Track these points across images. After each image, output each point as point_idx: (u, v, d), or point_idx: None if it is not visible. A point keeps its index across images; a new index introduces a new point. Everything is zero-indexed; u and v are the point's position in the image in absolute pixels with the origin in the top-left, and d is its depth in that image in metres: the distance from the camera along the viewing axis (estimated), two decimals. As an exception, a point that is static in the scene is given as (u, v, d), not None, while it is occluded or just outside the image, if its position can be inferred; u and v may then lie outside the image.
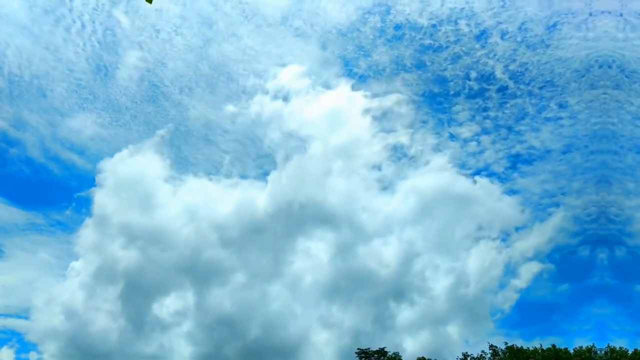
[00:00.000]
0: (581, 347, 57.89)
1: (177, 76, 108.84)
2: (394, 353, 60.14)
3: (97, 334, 79.66)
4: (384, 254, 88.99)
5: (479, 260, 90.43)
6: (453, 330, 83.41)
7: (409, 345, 78.35)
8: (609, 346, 57.04)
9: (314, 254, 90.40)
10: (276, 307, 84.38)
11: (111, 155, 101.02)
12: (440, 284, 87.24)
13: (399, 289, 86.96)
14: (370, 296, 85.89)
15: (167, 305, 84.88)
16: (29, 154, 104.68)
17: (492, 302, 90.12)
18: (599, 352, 56.97)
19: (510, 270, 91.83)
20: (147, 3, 4.87)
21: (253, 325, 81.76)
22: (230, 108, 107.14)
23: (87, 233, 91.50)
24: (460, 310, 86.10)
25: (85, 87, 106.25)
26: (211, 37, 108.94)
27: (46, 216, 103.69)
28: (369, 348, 61.35)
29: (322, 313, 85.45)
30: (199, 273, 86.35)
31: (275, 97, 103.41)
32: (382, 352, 60.86)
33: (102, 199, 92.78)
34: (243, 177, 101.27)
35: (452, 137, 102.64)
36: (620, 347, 56.70)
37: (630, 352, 55.78)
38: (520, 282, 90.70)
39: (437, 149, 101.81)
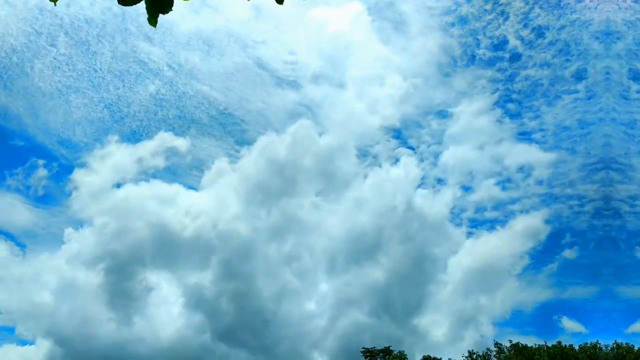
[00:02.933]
0: (586, 343, 57.85)
1: (166, 52, 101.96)
2: (399, 352, 60.22)
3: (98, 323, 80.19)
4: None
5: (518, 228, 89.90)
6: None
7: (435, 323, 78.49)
8: (614, 342, 56.95)
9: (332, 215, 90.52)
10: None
11: (99, 140, 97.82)
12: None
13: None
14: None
15: (172, 282, 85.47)
16: (12, 143, 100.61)
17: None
18: (604, 348, 56.90)
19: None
20: (152, 26, 5.03)
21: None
22: (228, 84, 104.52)
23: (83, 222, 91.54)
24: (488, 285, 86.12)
25: (68, 64, 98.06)
26: (199, 8, 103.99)
27: (44, 210, 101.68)
28: (374, 347, 61.53)
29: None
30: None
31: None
32: (387, 350, 60.94)
33: (92, 186, 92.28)
34: (251, 143, 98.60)
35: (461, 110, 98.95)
36: (626, 343, 56.57)
37: (636, 348, 55.64)
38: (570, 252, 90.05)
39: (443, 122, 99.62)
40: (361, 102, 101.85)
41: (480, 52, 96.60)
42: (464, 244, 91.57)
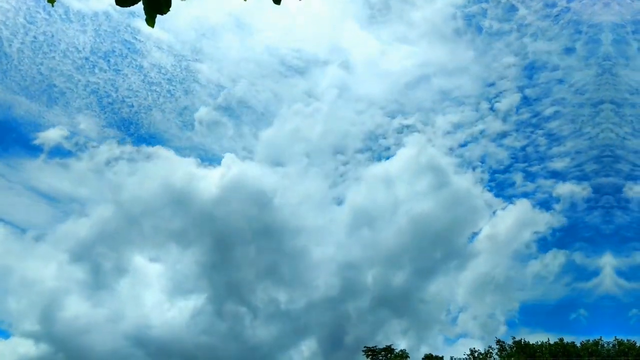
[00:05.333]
0: (588, 340, 57.92)
1: (155, 29, 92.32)
2: (401, 350, 60.64)
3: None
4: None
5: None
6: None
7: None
8: (616, 339, 56.98)
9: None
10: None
11: (88, 127, 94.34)
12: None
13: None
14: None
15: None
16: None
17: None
18: (606, 345, 56.95)
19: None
20: (150, 27, 4.88)
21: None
22: (223, 65, 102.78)
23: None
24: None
25: (52, 45, 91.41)
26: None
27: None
28: (375, 346, 61.93)
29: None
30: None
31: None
32: (389, 349, 61.37)
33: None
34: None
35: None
36: (628, 340, 56.63)
37: (638, 344, 55.65)
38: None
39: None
40: (365, 86, 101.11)
41: (487, 23, 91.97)
42: (489, 222, 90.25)
